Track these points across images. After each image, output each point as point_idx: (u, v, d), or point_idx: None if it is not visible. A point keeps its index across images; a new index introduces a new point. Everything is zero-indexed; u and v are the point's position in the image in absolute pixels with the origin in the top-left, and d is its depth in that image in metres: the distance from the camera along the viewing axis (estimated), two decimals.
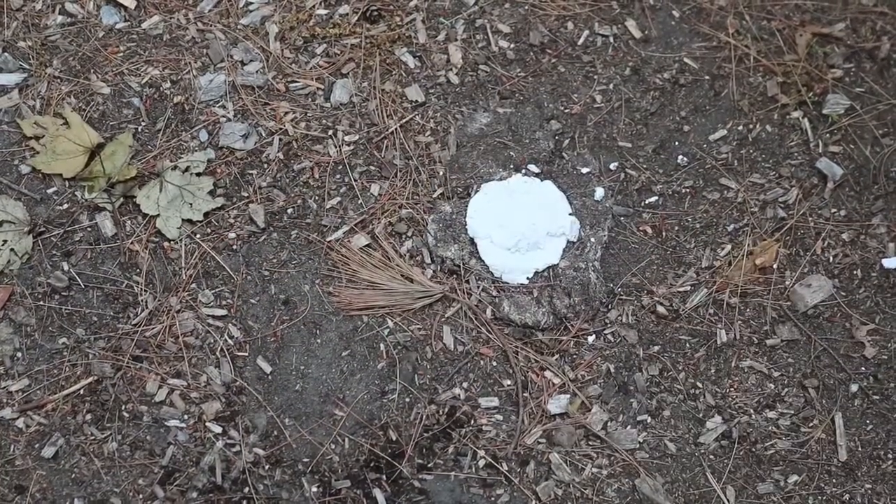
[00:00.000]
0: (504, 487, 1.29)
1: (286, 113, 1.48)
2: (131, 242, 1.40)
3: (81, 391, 1.33)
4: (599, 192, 1.44)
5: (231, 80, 1.50)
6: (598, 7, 1.56)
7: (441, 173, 1.45)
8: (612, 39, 1.54)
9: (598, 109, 1.50)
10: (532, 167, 1.45)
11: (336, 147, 1.47)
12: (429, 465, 1.30)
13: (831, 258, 1.42)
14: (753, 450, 1.31)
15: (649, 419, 1.33)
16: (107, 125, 1.47)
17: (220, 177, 1.44)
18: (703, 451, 1.32)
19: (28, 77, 1.50)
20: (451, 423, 1.32)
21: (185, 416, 1.32)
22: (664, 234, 1.43)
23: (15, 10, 1.54)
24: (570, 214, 1.42)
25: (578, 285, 1.38)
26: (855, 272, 1.41)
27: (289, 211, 1.43)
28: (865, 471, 1.30)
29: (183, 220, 1.41)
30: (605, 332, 1.37)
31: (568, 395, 1.34)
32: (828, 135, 1.49)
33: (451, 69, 1.52)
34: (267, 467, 1.30)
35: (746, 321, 1.38)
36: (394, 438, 1.31)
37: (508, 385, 1.34)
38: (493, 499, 1.28)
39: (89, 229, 1.41)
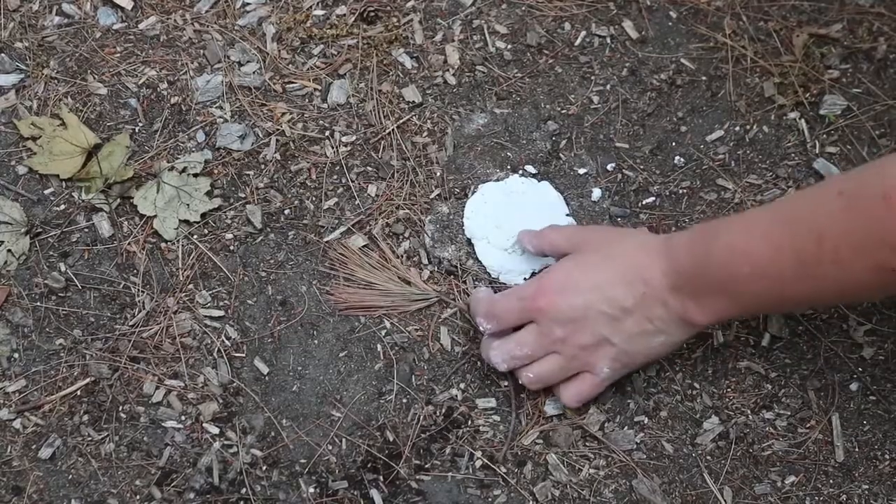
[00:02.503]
0: (501, 488, 1.29)
1: (283, 114, 1.48)
2: (128, 243, 1.40)
3: (78, 392, 1.33)
4: (596, 193, 1.44)
5: (228, 80, 1.50)
6: (596, 8, 1.56)
7: (438, 174, 1.45)
8: (609, 40, 1.54)
9: (596, 110, 1.50)
10: (529, 168, 1.45)
11: (333, 148, 1.47)
12: (426, 466, 1.30)
13: None
14: (750, 450, 1.31)
15: (646, 420, 1.33)
16: (104, 126, 1.47)
17: (217, 178, 1.44)
18: (700, 451, 1.32)
19: (25, 78, 1.50)
20: (448, 423, 1.32)
21: (183, 417, 1.32)
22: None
23: (12, 11, 1.54)
24: (567, 215, 1.42)
25: None
26: None
27: (286, 212, 1.43)
28: (862, 471, 1.30)
29: (180, 220, 1.41)
30: None
31: None
32: (825, 135, 1.49)
33: (448, 70, 1.52)
34: (264, 468, 1.30)
35: (743, 322, 1.38)
36: (391, 439, 1.31)
37: (505, 386, 1.34)
38: (490, 499, 1.28)
39: (86, 230, 1.41)
